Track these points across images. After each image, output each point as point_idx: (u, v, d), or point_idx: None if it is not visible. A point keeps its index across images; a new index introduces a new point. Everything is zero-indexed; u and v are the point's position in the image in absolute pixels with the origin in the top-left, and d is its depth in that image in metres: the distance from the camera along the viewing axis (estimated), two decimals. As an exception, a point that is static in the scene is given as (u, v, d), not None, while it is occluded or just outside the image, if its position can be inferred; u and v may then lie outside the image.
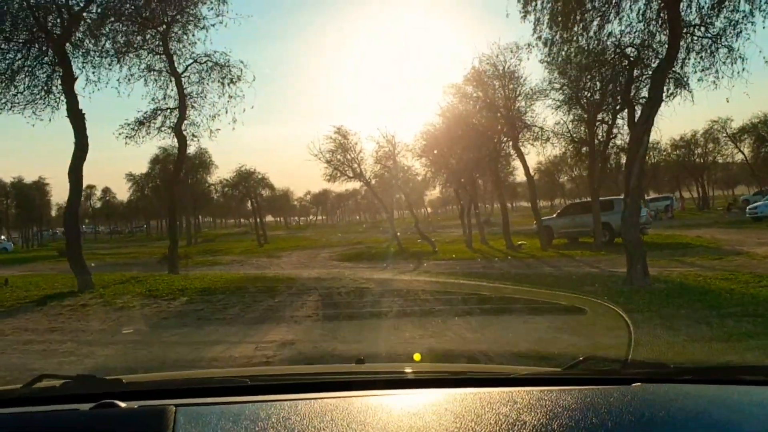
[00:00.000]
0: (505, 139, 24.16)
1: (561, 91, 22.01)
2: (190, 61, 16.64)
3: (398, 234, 29.84)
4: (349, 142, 25.83)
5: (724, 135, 40.00)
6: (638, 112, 12.69)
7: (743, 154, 43.04)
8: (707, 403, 1.40)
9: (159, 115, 17.21)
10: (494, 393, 1.43)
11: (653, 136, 23.99)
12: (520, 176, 57.99)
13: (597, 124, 22.04)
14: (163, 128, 17.32)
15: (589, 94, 21.61)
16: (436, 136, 26.69)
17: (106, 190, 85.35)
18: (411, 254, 24.65)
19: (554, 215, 26.30)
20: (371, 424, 1.26)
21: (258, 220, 49.77)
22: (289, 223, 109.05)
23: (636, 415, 1.29)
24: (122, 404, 1.33)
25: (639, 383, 1.50)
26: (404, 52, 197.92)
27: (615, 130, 21.70)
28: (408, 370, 1.81)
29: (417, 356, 3.75)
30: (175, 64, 16.32)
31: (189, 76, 16.90)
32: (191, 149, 58.82)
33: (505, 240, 24.73)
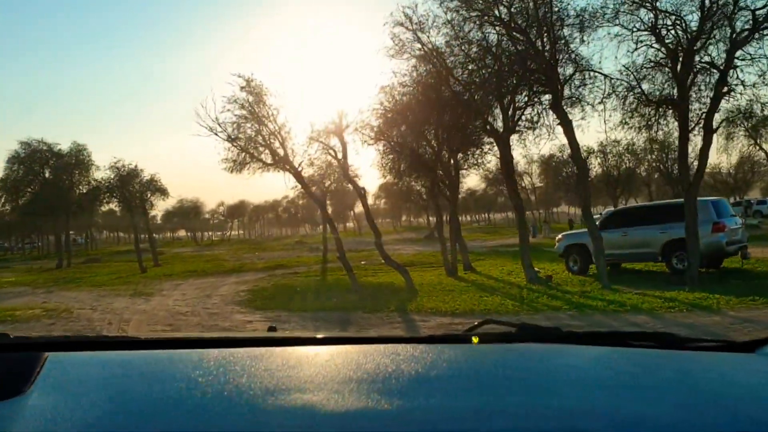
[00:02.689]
0: (530, 95, 14.46)
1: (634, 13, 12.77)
2: None
3: (335, 251, 19.98)
4: (267, 108, 15.51)
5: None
6: None
7: (763, 150, 35.64)
8: (591, 361, 1.42)
9: None
10: (398, 348, 1.46)
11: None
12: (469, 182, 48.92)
13: (694, 72, 12.92)
14: None
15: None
16: (399, 111, 16.93)
17: (-25, 199, 71.92)
18: (374, 292, 14.60)
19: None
20: (280, 372, 1.24)
21: (148, 235, 38.12)
22: (199, 238, 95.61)
23: (524, 371, 1.32)
24: None
25: (531, 343, 1.54)
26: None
27: (731, 80, 12.56)
28: (317, 335, 1.75)
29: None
30: None
31: None
32: (64, 145, 46.39)
33: (524, 266, 15.04)
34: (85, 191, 40.83)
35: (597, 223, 16.55)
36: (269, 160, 15.78)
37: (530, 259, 15.10)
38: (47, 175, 42.31)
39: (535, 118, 14.69)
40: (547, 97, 13.87)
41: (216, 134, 15.39)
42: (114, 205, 37.66)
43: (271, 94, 15.58)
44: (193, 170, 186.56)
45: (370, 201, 75.37)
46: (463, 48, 14.69)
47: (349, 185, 40.79)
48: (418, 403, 1.05)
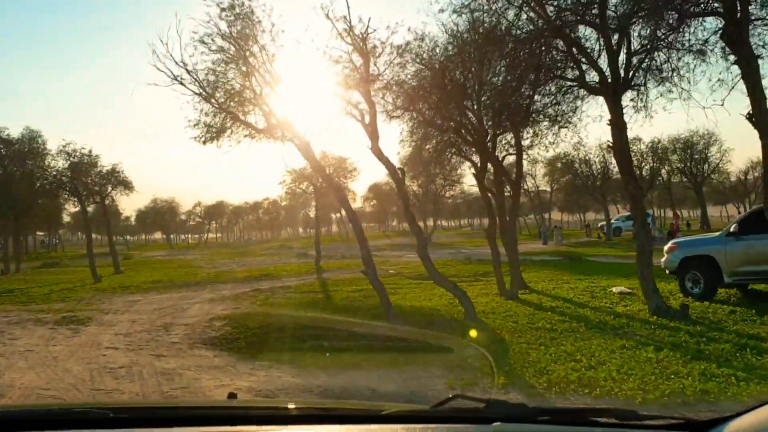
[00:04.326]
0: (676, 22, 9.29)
1: None
2: None
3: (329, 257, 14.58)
4: (261, 46, 10.20)
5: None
6: None
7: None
8: None
9: None
10: (370, 429, 1.41)
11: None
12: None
13: None
14: None
15: None
16: (438, 70, 11.85)
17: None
18: (417, 324, 9.41)
19: (720, 231, 11.89)
20: None
21: (108, 237, 32.42)
22: (174, 241, 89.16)
23: None
24: None
25: (499, 423, 1.52)
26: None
27: None
28: (280, 406, 1.76)
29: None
30: None
31: None
32: (15, 131, 40.05)
33: (644, 289, 9.89)
34: (38, 185, 34.88)
35: (731, 227, 11.49)
36: (262, 125, 10.49)
37: (651, 276, 9.96)
38: (-7, 164, 36.37)
39: (676, 62, 9.52)
40: (705, 24, 8.80)
41: (181, 83, 10.06)
42: (63, 200, 31.55)
43: (267, 30, 10.29)
44: (170, 167, 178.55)
45: (357, 204, 68.62)
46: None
47: (338, 185, 35.37)
48: None
